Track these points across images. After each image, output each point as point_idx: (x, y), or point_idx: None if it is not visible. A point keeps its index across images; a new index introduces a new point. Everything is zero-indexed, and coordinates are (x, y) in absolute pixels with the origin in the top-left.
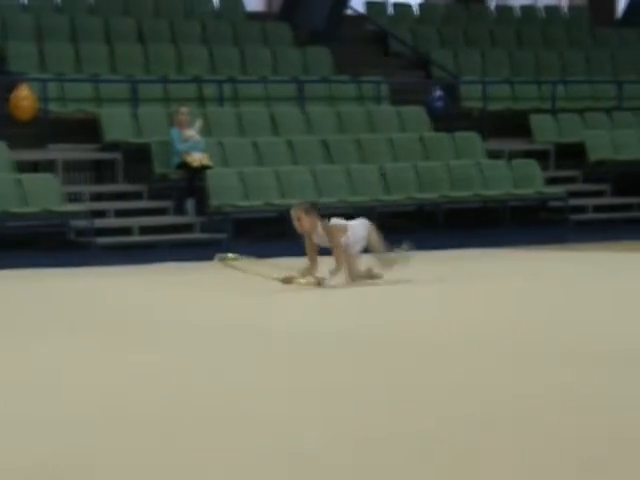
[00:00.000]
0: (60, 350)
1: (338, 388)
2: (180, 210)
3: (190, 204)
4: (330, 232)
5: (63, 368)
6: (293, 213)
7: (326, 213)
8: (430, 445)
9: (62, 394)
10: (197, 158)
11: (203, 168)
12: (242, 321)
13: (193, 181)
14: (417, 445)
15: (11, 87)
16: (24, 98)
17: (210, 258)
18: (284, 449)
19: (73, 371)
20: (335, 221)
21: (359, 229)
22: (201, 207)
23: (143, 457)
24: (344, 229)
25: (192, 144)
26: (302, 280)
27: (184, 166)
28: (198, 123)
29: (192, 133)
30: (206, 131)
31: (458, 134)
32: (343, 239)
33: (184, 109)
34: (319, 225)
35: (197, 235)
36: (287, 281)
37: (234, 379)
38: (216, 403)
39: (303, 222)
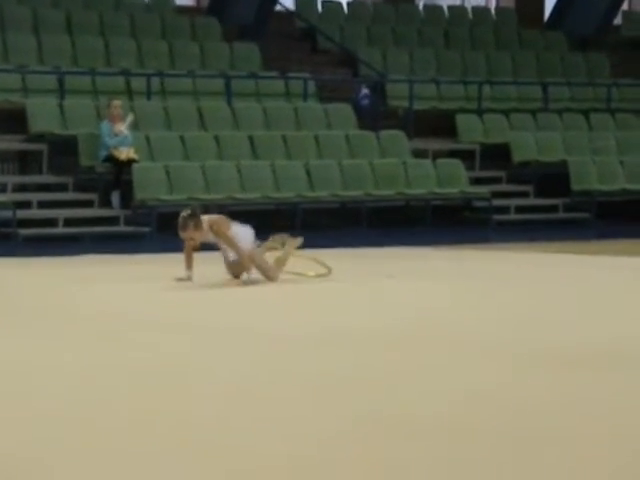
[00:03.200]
0: None
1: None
2: (105, 203)
3: (115, 197)
4: (218, 230)
5: None
6: (183, 225)
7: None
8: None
9: None
10: (124, 152)
11: (130, 161)
12: (177, 317)
13: (119, 174)
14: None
15: None
16: None
17: (134, 251)
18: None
19: None
20: (213, 217)
21: (245, 233)
22: (126, 200)
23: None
24: (227, 223)
25: (120, 139)
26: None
27: (111, 159)
28: (129, 118)
29: (122, 129)
30: (133, 124)
31: (384, 132)
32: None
33: (117, 102)
34: (205, 225)
35: (121, 228)
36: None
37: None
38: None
39: (191, 232)
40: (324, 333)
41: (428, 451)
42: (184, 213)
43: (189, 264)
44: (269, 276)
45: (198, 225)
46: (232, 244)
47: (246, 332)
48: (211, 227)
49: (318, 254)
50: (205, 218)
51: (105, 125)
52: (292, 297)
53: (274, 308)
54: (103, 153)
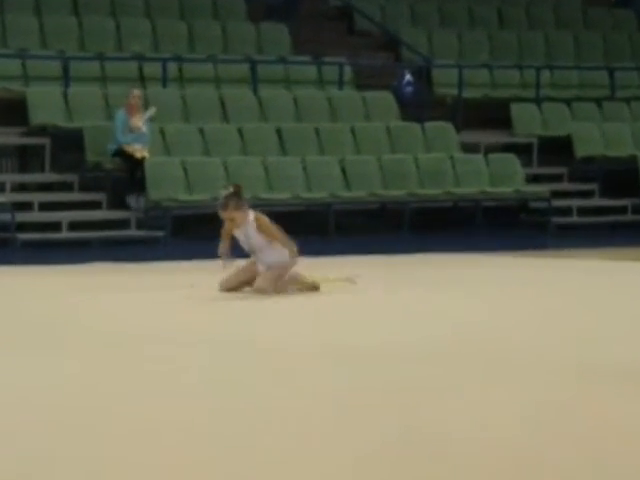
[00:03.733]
0: None
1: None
2: (115, 204)
3: (133, 199)
4: (263, 223)
5: None
6: (223, 204)
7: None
8: None
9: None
10: (138, 150)
11: (143, 159)
12: (195, 331)
13: (135, 172)
14: None
15: None
16: None
17: (147, 258)
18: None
19: None
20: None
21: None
22: (138, 201)
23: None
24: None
25: (135, 136)
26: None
27: (122, 154)
28: (151, 111)
29: (139, 124)
30: (153, 119)
31: (429, 124)
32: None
33: (137, 92)
34: (250, 214)
35: (133, 232)
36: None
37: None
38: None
39: (231, 212)
40: (355, 349)
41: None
42: (225, 191)
43: (225, 248)
44: (279, 289)
45: (239, 206)
46: (277, 237)
47: (270, 346)
48: (257, 219)
49: (353, 262)
50: (250, 210)
51: (121, 115)
52: (319, 309)
53: (298, 321)
54: (113, 147)
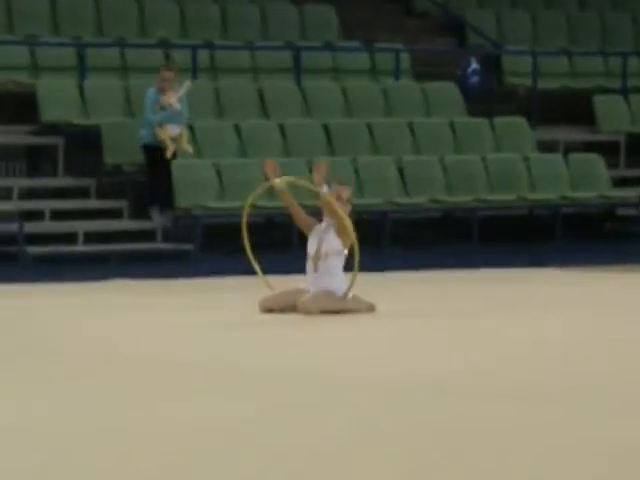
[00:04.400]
0: None
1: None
2: (138, 212)
3: (156, 211)
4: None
5: None
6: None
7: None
8: None
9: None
10: (172, 134)
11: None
12: (231, 361)
13: (160, 176)
14: None
15: None
16: None
17: (174, 274)
18: None
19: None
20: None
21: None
22: (164, 209)
23: None
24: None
25: (168, 115)
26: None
27: (150, 151)
28: (185, 86)
29: (172, 100)
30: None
31: (499, 120)
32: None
33: (168, 74)
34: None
35: (158, 245)
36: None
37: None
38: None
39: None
40: (442, 380)
41: None
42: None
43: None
44: None
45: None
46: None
47: (350, 379)
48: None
49: (411, 279)
50: None
51: (151, 94)
52: (380, 335)
53: (367, 349)
54: (145, 133)
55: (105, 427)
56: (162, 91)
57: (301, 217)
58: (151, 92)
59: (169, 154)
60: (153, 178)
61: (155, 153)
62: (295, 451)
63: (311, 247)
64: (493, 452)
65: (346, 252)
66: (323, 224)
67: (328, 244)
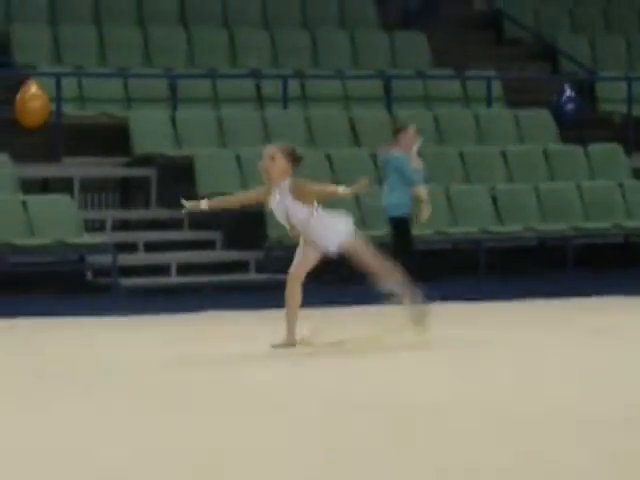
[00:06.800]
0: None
1: None
2: (230, 243)
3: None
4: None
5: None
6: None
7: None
8: None
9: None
10: (423, 194)
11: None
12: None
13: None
14: None
15: (17, 84)
16: (32, 98)
17: (268, 305)
18: None
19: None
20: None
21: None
22: (257, 239)
23: None
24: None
25: (419, 177)
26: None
27: (406, 222)
28: (418, 143)
29: (419, 163)
30: (264, 139)
31: (594, 147)
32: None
33: (413, 129)
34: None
35: (252, 276)
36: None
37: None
38: None
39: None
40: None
41: None
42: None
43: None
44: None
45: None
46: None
47: (449, 408)
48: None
49: (506, 308)
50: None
51: (402, 157)
52: (464, 361)
53: (454, 377)
54: (399, 203)
55: None
56: (407, 149)
57: (245, 199)
58: (398, 154)
59: (425, 217)
60: (403, 249)
61: (410, 223)
62: None
63: (282, 220)
64: None
65: (316, 207)
66: (277, 196)
67: (294, 216)
